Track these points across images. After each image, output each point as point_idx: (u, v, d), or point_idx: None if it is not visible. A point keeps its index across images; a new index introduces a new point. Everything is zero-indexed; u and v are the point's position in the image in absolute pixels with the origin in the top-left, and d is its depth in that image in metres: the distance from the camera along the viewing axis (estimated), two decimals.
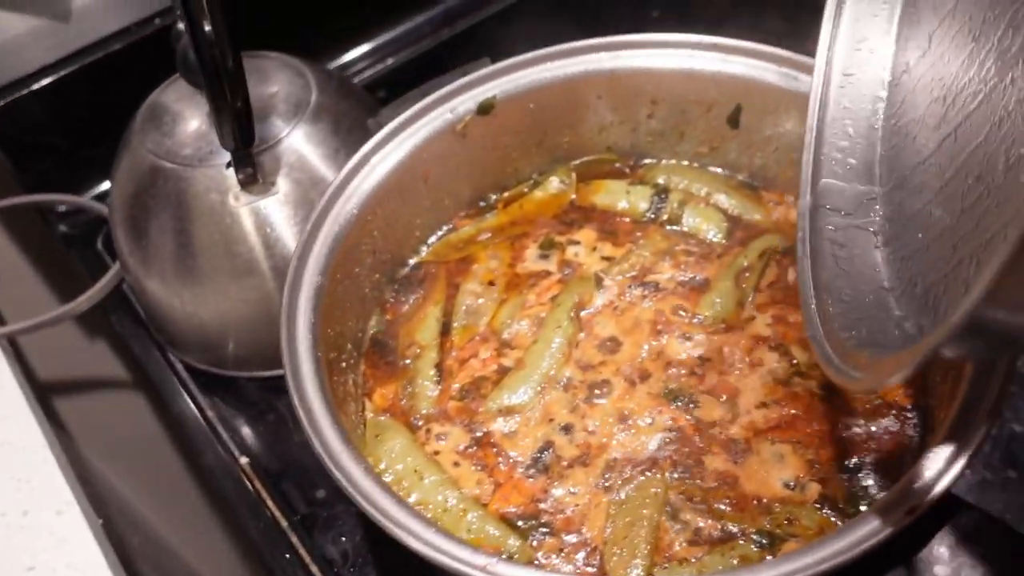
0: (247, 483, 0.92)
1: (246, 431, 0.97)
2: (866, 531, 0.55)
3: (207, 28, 0.74)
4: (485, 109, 0.88)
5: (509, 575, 0.56)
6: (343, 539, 0.87)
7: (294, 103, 0.93)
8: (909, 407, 0.76)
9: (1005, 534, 0.56)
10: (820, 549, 0.55)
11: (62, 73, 1.12)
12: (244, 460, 0.93)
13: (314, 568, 0.85)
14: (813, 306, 0.59)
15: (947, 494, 0.56)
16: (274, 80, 0.95)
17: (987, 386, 0.61)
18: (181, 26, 0.81)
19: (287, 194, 0.90)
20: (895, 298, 0.56)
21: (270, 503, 0.90)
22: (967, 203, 0.49)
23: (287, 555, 0.86)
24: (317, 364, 0.70)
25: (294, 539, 0.87)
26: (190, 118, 0.92)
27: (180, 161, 0.89)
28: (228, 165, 0.87)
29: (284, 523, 0.88)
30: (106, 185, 1.13)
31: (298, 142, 0.91)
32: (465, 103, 0.88)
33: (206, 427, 0.97)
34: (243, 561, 0.90)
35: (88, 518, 0.90)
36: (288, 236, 0.90)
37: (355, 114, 0.96)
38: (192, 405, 0.99)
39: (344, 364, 0.79)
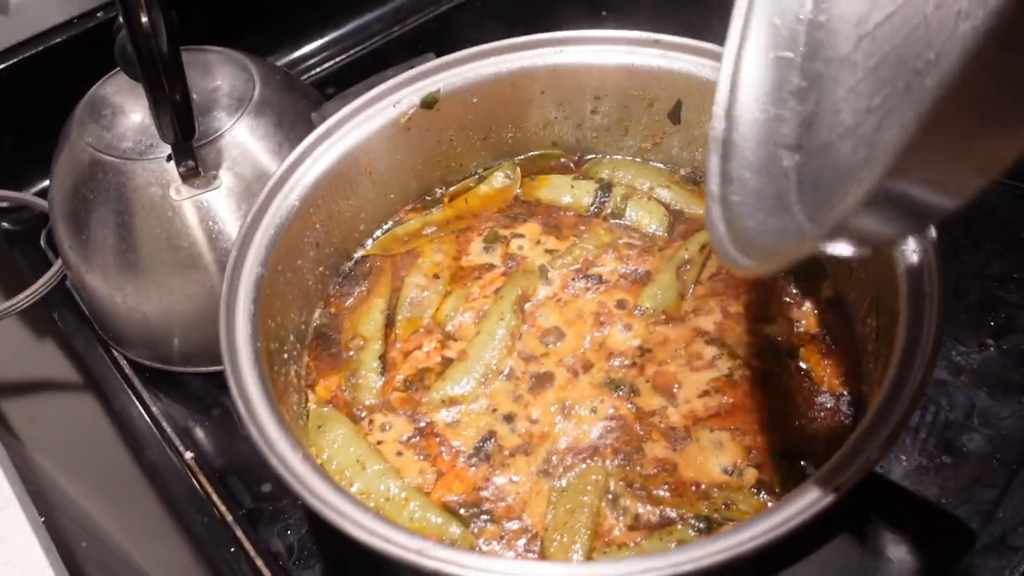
0: (192, 478, 0.91)
1: (191, 427, 0.96)
2: (797, 507, 0.56)
3: (144, 19, 0.73)
4: (428, 103, 0.89)
5: (444, 558, 0.57)
6: (289, 532, 0.86)
7: (237, 97, 0.93)
8: (844, 394, 0.77)
9: (928, 511, 0.58)
10: (751, 527, 0.56)
11: (1, 67, 1.10)
12: (189, 455, 0.93)
13: (259, 562, 0.84)
14: (716, 196, 0.59)
15: (871, 473, 0.57)
16: (217, 74, 0.95)
17: (912, 369, 0.62)
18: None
19: (230, 188, 0.89)
20: (795, 193, 0.56)
21: (215, 497, 0.89)
22: (873, 103, 0.49)
23: (232, 549, 0.85)
24: (257, 355, 0.70)
25: (239, 533, 0.86)
26: (131, 111, 0.92)
27: (120, 154, 0.89)
28: (169, 158, 0.86)
29: (229, 517, 0.87)
30: (48, 181, 1.12)
31: (241, 135, 0.91)
32: (409, 97, 0.88)
33: (150, 423, 0.96)
34: (189, 556, 0.89)
35: (28, 515, 0.89)
36: (231, 230, 0.90)
37: (299, 108, 0.96)
38: (136, 402, 0.98)
39: (286, 355, 0.78)
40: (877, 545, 0.56)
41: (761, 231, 0.54)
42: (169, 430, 0.95)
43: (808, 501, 0.56)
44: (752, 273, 0.60)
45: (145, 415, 0.97)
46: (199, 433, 0.95)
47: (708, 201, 0.59)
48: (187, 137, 0.82)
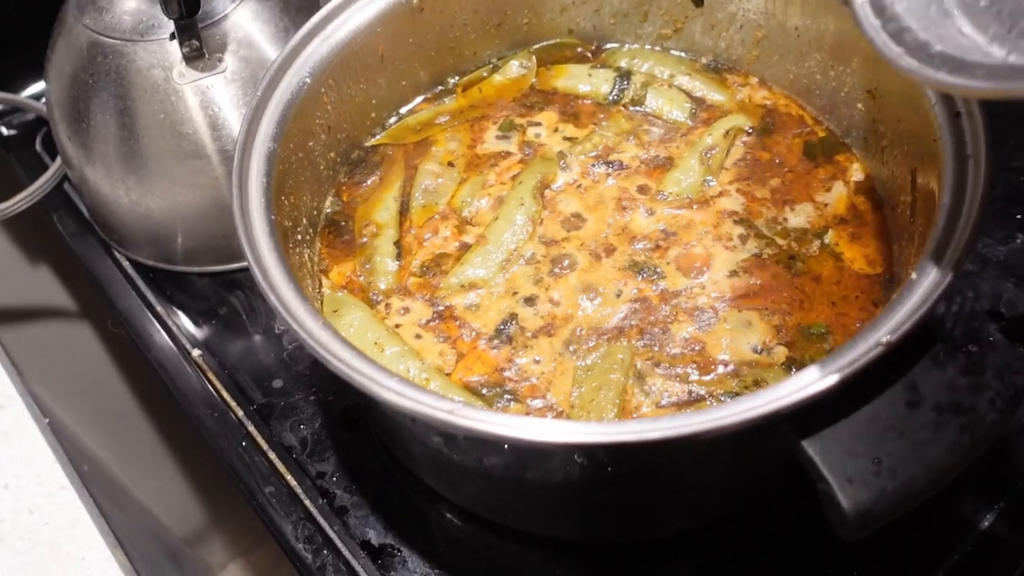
0: (201, 375, 0.89)
1: (198, 326, 0.93)
2: (845, 360, 0.54)
3: None
4: None
5: (477, 417, 0.54)
6: (302, 427, 0.84)
7: None
8: (874, 274, 0.75)
9: (973, 367, 0.56)
10: (791, 383, 0.54)
11: None
12: (197, 353, 0.90)
13: (272, 455, 0.83)
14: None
15: (925, 323, 0.55)
16: None
17: (957, 225, 0.60)
18: None
19: (234, 72, 0.86)
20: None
21: (225, 394, 0.87)
22: None
23: (243, 443, 0.83)
24: (272, 227, 0.66)
25: (251, 428, 0.84)
26: None
27: (120, 36, 0.85)
28: (172, 37, 0.82)
29: (240, 412, 0.85)
30: (42, 85, 1.08)
31: (245, 19, 0.87)
32: None
33: (155, 321, 0.93)
34: (197, 451, 0.87)
35: (32, 413, 0.87)
36: (234, 118, 0.87)
37: None
38: (140, 301, 0.95)
39: (299, 237, 0.76)
40: (922, 399, 0.54)
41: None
42: (175, 328, 0.93)
43: (857, 353, 0.54)
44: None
45: (149, 314, 0.94)
46: (206, 332, 0.93)
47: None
48: (192, 12, 0.78)
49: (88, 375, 1.33)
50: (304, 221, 0.78)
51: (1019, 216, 0.93)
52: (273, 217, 0.68)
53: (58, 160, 1.00)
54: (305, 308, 0.61)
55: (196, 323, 0.93)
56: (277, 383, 0.87)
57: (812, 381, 0.54)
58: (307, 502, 0.79)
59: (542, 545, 0.77)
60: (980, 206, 0.60)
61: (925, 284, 0.57)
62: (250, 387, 0.87)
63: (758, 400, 0.53)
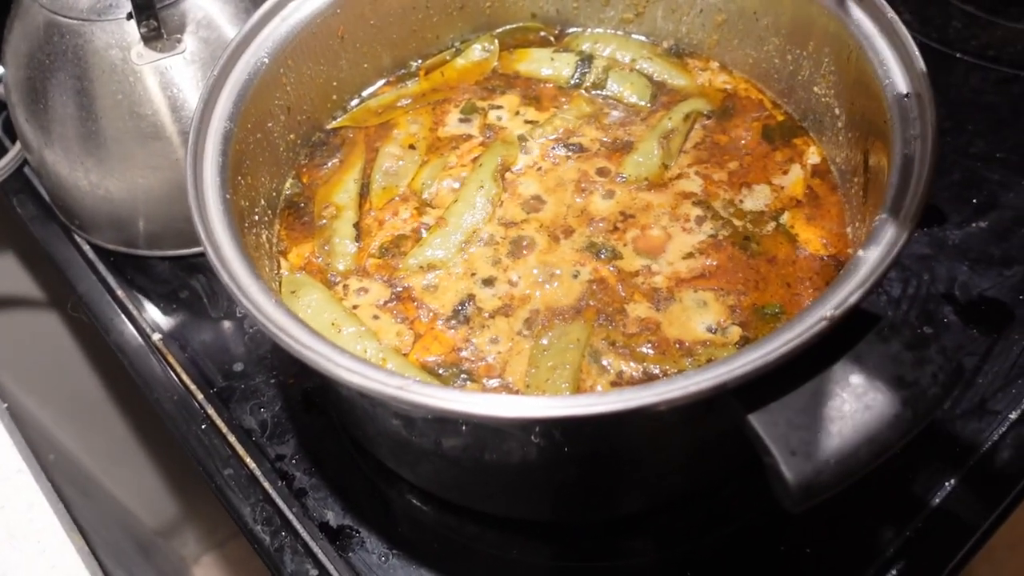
0: (161, 359, 0.88)
1: (159, 310, 0.93)
2: (786, 336, 0.54)
3: None
4: None
5: (426, 393, 0.55)
6: (262, 410, 0.84)
7: None
8: (830, 256, 0.76)
9: (918, 342, 0.56)
10: (737, 359, 0.55)
11: None
12: (157, 337, 0.90)
13: (232, 438, 0.82)
14: None
15: (861, 303, 0.56)
16: None
17: (899, 213, 0.61)
18: None
19: (193, 53, 0.85)
20: None
21: (185, 377, 0.87)
22: None
23: (203, 426, 0.83)
24: (226, 205, 0.66)
25: (210, 411, 0.84)
26: None
27: (77, 15, 0.84)
28: (129, 17, 0.82)
29: (200, 396, 0.85)
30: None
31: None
32: None
33: (115, 305, 0.93)
34: (169, 442, 0.87)
35: None
36: (194, 100, 0.85)
37: None
38: (100, 285, 0.95)
39: (257, 217, 0.75)
40: (867, 373, 0.55)
41: None
42: (135, 312, 0.92)
43: (802, 328, 0.54)
44: None
45: (109, 297, 0.94)
46: (167, 316, 0.93)
47: None
48: None
49: (57, 363, 1.32)
50: (262, 202, 0.78)
51: (975, 201, 0.94)
52: (228, 196, 0.67)
53: (18, 143, 0.99)
54: (257, 285, 0.61)
55: (157, 307, 0.93)
56: (238, 366, 0.87)
57: (758, 355, 0.55)
58: (266, 484, 0.79)
59: (501, 525, 0.78)
60: (925, 185, 0.61)
61: (870, 261, 0.58)
62: (210, 370, 0.87)
63: (705, 374, 0.54)
